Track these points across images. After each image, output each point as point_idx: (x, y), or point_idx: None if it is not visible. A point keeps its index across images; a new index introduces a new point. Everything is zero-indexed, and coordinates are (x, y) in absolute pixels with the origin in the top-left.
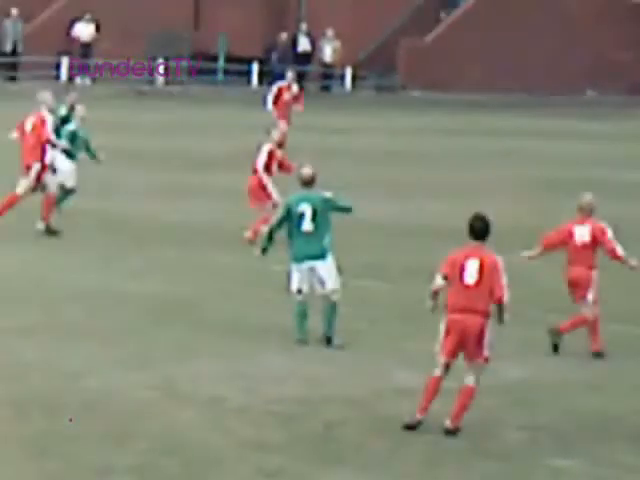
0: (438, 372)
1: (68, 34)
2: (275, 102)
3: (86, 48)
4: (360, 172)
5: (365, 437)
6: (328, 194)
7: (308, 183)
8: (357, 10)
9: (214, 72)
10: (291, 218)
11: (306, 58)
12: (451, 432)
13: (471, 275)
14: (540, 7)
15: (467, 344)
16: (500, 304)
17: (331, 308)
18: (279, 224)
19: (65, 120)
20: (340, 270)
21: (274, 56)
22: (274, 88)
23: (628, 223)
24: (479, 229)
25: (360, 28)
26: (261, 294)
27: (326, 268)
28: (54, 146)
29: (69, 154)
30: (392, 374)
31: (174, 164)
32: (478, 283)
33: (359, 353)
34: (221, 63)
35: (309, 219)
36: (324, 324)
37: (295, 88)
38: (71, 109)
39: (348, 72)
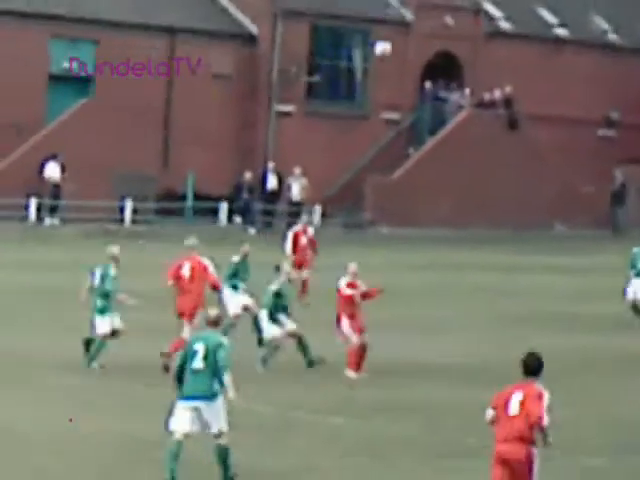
0: None
1: (40, 174)
2: (293, 248)
3: (56, 189)
4: (329, 310)
5: None
6: (225, 341)
7: (212, 323)
8: (325, 148)
9: (182, 211)
10: (187, 356)
11: (274, 196)
12: None
13: (514, 407)
14: (508, 142)
15: (513, 473)
16: (541, 428)
17: (223, 451)
18: (182, 363)
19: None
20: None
21: (242, 194)
22: (290, 234)
23: (600, 353)
24: (530, 365)
25: (328, 165)
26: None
27: (212, 410)
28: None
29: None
30: None
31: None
32: (519, 413)
33: None
34: (189, 202)
35: (201, 357)
36: (220, 467)
37: (311, 231)
38: None
39: (317, 209)
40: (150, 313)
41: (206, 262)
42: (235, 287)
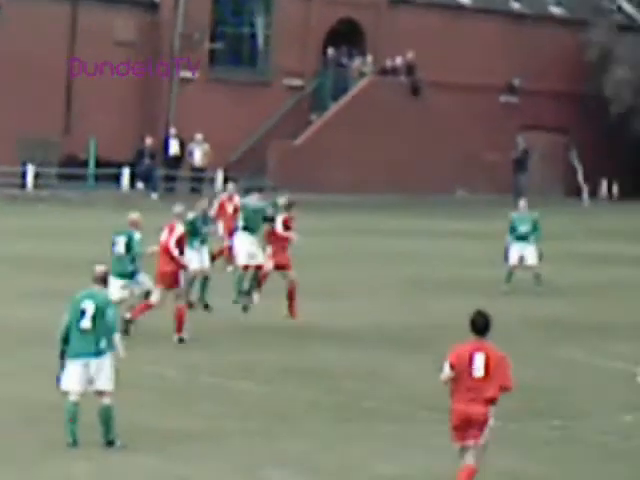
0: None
1: None
2: (218, 216)
3: None
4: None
5: None
6: (112, 299)
7: (99, 280)
8: (227, 114)
9: (84, 176)
10: (75, 314)
11: (176, 161)
12: None
13: (479, 369)
14: (411, 108)
15: (471, 430)
16: (508, 391)
17: (105, 411)
18: (69, 325)
19: None
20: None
21: (144, 160)
22: (216, 202)
23: (501, 317)
24: (480, 324)
25: (230, 132)
26: (131, 395)
27: (99, 368)
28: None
29: None
30: (265, 474)
31: (39, 268)
32: (485, 376)
33: (232, 453)
34: (91, 168)
35: (89, 316)
36: (101, 428)
37: (237, 200)
38: None
39: (219, 174)
40: (52, 277)
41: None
42: (192, 245)
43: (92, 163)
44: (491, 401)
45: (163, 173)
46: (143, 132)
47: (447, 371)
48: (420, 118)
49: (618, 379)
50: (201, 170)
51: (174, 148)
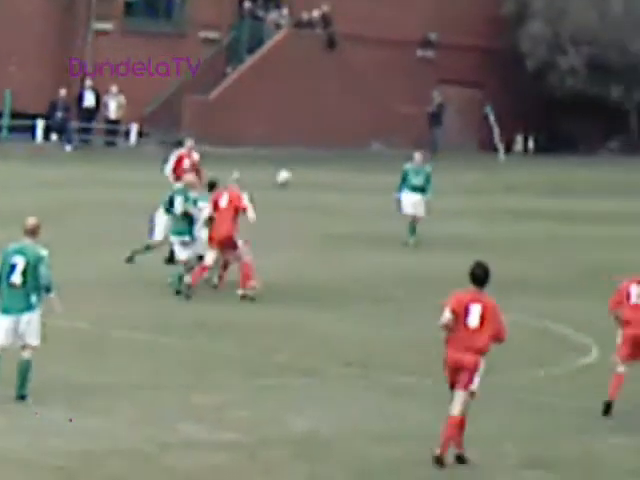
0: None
1: None
2: (175, 170)
3: None
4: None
5: None
6: (44, 252)
7: (29, 232)
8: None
9: None
10: (5, 268)
11: (91, 113)
12: (462, 458)
13: (474, 319)
14: (327, 61)
15: (462, 376)
16: (502, 342)
17: (24, 365)
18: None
19: None
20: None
21: (57, 112)
22: (173, 156)
23: (413, 273)
24: (479, 276)
25: (146, 84)
26: (45, 348)
27: (27, 323)
28: None
29: None
30: (177, 426)
31: None
32: (479, 327)
33: (145, 406)
34: (5, 119)
35: (19, 271)
36: (17, 381)
37: (196, 156)
38: None
39: (133, 128)
40: None
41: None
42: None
43: (7, 114)
44: (482, 351)
45: (77, 125)
46: (58, 84)
47: (448, 315)
48: (336, 71)
49: (530, 334)
50: (116, 123)
51: (89, 100)
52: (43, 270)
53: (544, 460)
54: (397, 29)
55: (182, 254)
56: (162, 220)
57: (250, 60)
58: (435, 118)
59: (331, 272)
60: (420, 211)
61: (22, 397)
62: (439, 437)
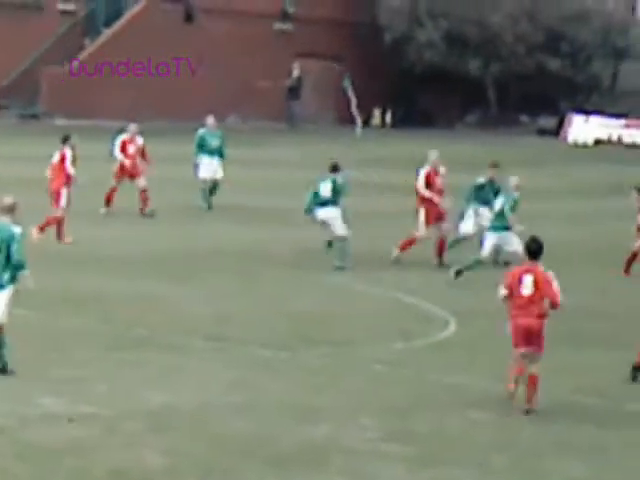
0: (519, 363)
1: None
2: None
3: None
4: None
5: (10, 463)
6: (18, 231)
7: (5, 211)
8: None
9: None
10: None
11: None
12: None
13: (527, 288)
14: (185, 34)
15: (531, 340)
16: (556, 307)
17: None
18: None
19: None
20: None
21: None
22: (117, 142)
23: (276, 246)
24: (533, 249)
25: (2, 57)
26: None
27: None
28: None
29: None
30: (37, 400)
31: None
32: (533, 294)
33: (3, 379)
34: None
35: None
36: None
37: (140, 140)
38: None
39: None
40: None
41: None
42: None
43: None
44: (541, 316)
45: None
46: None
47: (501, 292)
48: (194, 44)
49: (387, 307)
50: None
51: None
52: (15, 248)
53: (402, 434)
54: (254, 2)
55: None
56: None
57: (107, 33)
58: (293, 92)
59: (187, 244)
60: (219, 174)
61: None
62: (297, 408)
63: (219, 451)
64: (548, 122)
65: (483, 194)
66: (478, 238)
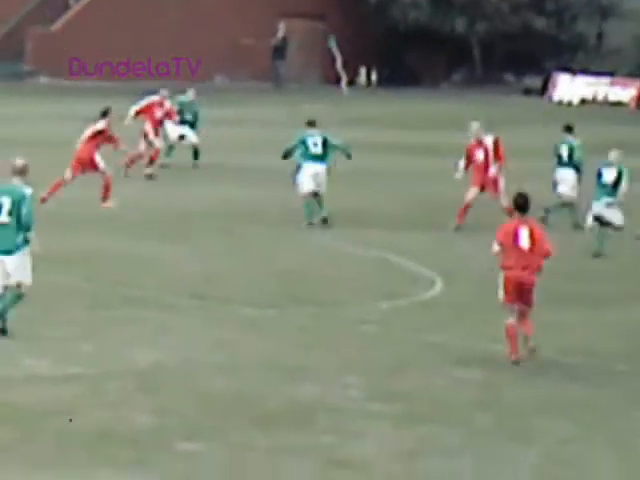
0: (513, 319)
1: None
2: (140, 113)
3: None
4: None
5: None
6: (28, 192)
7: (17, 172)
8: None
9: None
10: None
11: None
12: (534, 350)
13: (524, 241)
14: None
15: (524, 294)
16: (549, 256)
17: (13, 297)
18: None
19: None
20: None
21: None
22: (144, 101)
23: (266, 206)
24: (522, 203)
25: None
26: None
27: (14, 262)
28: None
29: None
30: (21, 361)
31: None
32: (531, 247)
33: None
34: None
35: (6, 211)
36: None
37: (168, 105)
38: None
39: None
40: None
41: None
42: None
43: None
44: (538, 269)
45: None
46: None
47: (495, 248)
48: (179, 4)
49: (373, 267)
50: None
51: None
52: (25, 209)
53: (388, 393)
54: None
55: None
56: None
57: None
58: (278, 51)
59: (174, 204)
60: (194, 139)
61: (3, 331)
62: (283, 367)
63: (206, 410)
64: (533, 81)
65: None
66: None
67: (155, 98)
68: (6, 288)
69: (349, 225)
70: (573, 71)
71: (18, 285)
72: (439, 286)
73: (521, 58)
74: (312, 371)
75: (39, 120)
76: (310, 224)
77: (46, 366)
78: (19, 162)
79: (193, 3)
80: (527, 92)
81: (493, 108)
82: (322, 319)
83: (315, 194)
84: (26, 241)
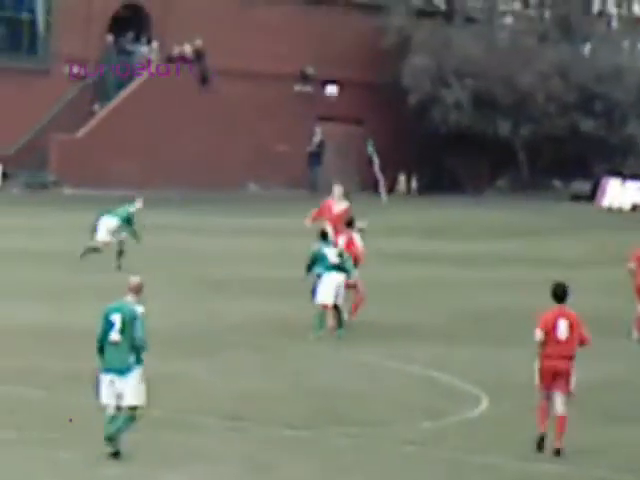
0: (544, 402)
1: None
2: (317, 216)
3: None
4: (5, 273)
5: None
6: (140, 310)
7: (132, 290)
8: (5, 105)
9: None
10: (105, 325)
11: None
12: (559, 451)
13: (562, 332)
14: (199, 100)
15: (560, 381)
16: (586, 345)
17: (126, 420)
18: (102, 333)
19: None
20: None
21: None
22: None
23: (297, 320)
24: (560, 293)
25: (8, 123)
26: None
27: (125, 383)
28: None
29: None
30: None
31: None
32: (569, 337)
33: (8, 463)
34: None
35: (117, 329)
36: (112, 431)
37: (344, 205)
38: None
39: None
40: None
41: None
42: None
43: None
44: (573, 358)
45: None
46: None
47: (539, 335)
48: (210, 108)
49: (416, 384)
50: None
51: None
52: (137, 328)
53: None
54: (273, 63)
55: None
56: None
57: (119, 97)
58: (315, 157)
59: (204, 319)
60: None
61: (115, 454)
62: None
63: None
64: (582, 186)
65: None
66: None
67: (329, 198)
68: (119, 409)
69: (388, 339)
70: (624, 175)
71: (131, 408)
72: (485, 403)
73: (569, 162)
74: None
75: (56, 232)
76: (318, 338)
77: None
78: (134, 280)
79: (225, 109)
80: (576, 198)
81: (541, 215)
82: (361, 440)
83: (334, 306)
84: (139, 361)
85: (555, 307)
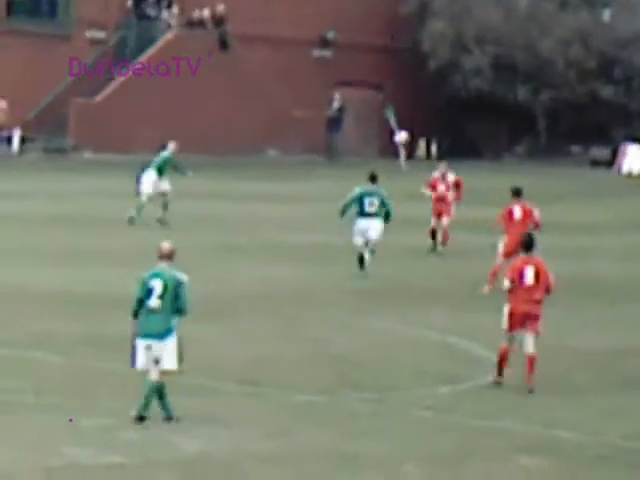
0: (507, 344)
1: None
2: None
3: None
4: (23, 238)
5: None
6: (184, 278)
7: (165, 257)
8: (25, 69)
9: None
10: (143, 292)
11: None
12: (531, 390)
13: (529, 278)
14: (217, 65)
15: (529, 322)
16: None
17: (156, 388)
18: (139, 302)
19: None
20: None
21: None
22: (428, 180)
23: (315, 284)
24: (528, 243)
25: (29, 87)
26: None
27: (163, 348)
28: None
29: None
30: (62, 450)
31: None
32: (536, 283)
33: (27, 428)
34: None
35: (157, 295)
36: (145, 400)
37: (451, 177)
38: None
39: (16, 133)
40: None
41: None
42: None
43: None
44: (540, 302)
45: None
46: None
47: (507, 284)
48: (229, 74)
49: (432, 349)
50: None
51: None
52: (183, 294)
53: None
54: (293, 28)
55: None
56: None
57: (136, 63)
58: (334, 122)
59: (222, 284)
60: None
61: (141, 418)
62: (337, 456)
63: None
64: (601, 152)
65: None
66: None
67: (435, 174)
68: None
69: (406, 305)
70: None
71: (163, 372)
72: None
73: (588, 128)
74: (369, 461)
75: (74, 196)
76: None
77: (88, 455)
78: (166, 246)
79: (243, 74)
80: (595, 164)
81: (559, 181)
82: (378, 405)
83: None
84: (176, 326)
85: (523, 256)
